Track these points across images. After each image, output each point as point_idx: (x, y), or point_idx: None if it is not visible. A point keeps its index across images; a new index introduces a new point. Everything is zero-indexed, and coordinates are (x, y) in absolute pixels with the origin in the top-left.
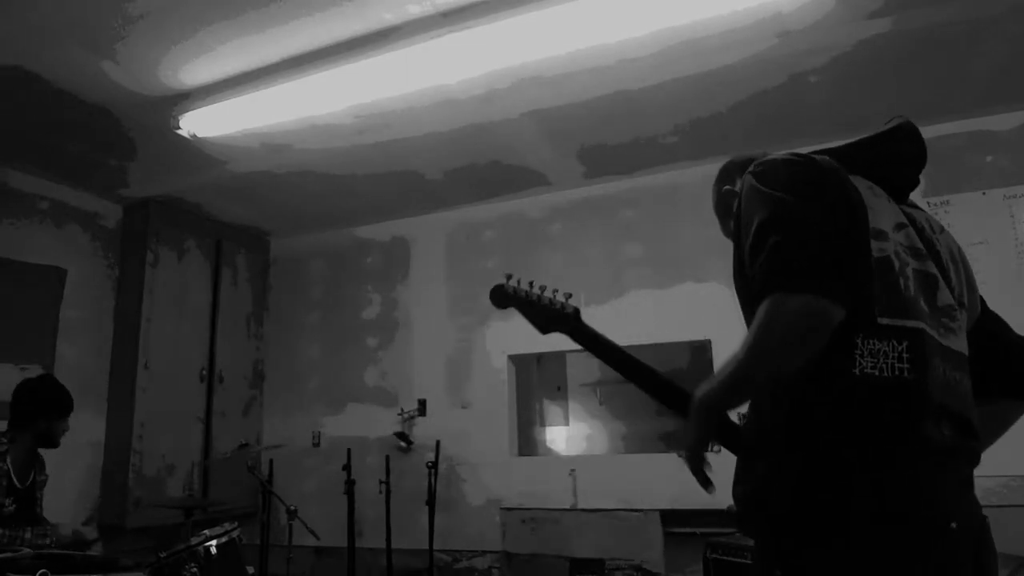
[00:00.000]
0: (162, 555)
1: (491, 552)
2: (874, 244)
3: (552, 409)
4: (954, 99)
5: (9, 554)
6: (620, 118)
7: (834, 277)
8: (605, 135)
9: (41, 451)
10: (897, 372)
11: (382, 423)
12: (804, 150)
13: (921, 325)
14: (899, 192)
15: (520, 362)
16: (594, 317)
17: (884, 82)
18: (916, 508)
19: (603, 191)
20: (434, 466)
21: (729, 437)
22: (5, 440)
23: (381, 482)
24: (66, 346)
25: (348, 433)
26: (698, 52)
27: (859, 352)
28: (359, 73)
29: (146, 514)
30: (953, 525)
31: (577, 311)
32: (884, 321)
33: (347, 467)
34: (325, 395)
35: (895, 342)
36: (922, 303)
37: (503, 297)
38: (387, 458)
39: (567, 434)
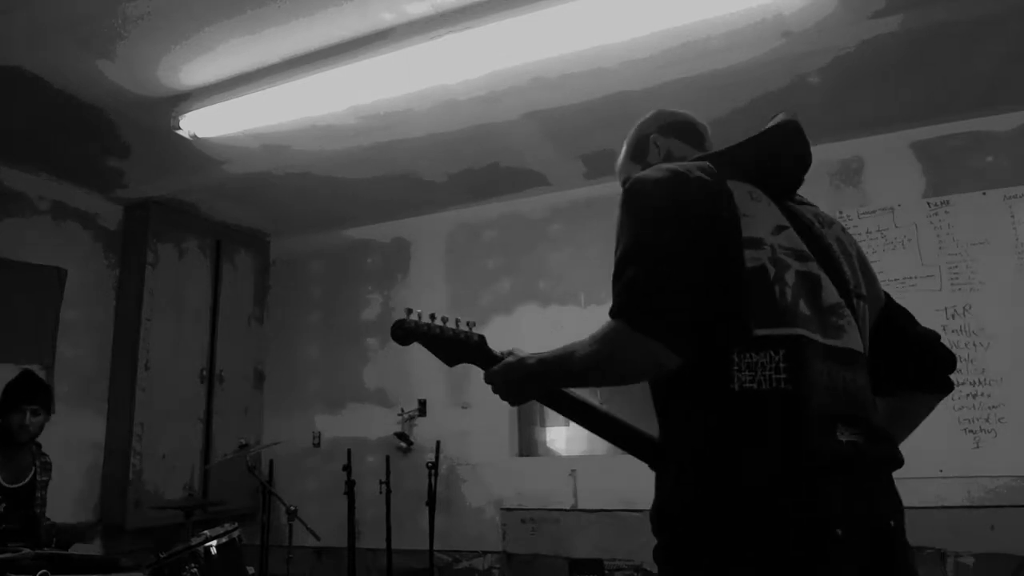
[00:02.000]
0: (162, 555)
1: (491, 552)
2: (747, 254)
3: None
4: (955, 99)
5: (9, 554)
6: (621, 119)
7: (677, 326)
8: (606, 136)
9: (46, 450)
10: (775, 384)
11: (382, 423)
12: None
13: (798, 331)
14: (784, 190)
15: None
16: (594, 317)
17: (885, 83)
18: (798, 517)
19: (603, 191)
20: (434, 466)
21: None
22: None
23: (381, 482)
24: (66, 346)
25: (348, 433)
26: (699, 53)
27: (736, 367)
28: (359, 74)
29: (146, 514)
30: (839, 532)
31: (482, 339)
32: (760, 332)
33: (347, 467)
34: (325, 395)
35: (772, 352)
36: (802, 307)
37: (405, 333)
38: (387, 458)
39: (567, 434)
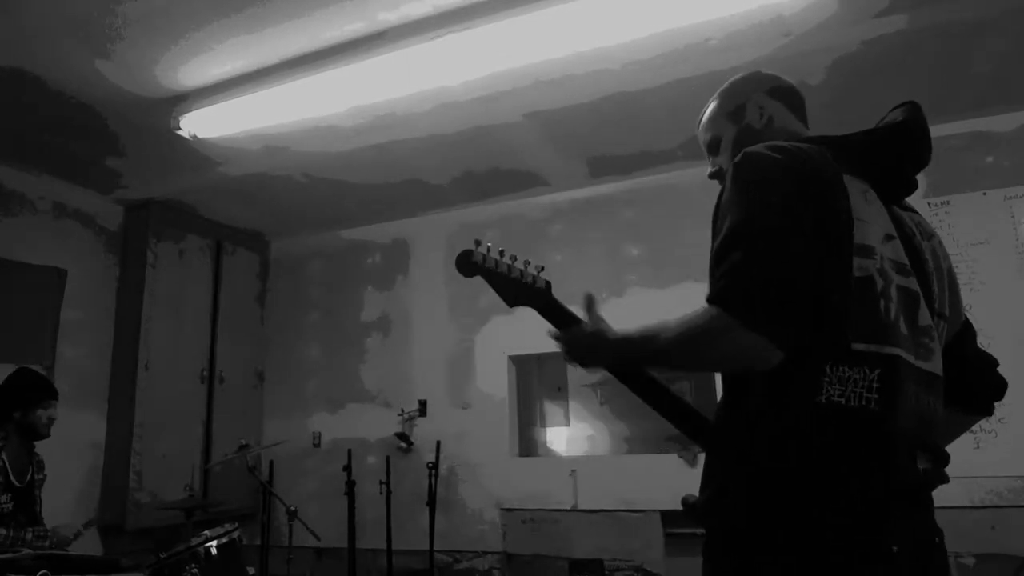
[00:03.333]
0: (162, 556)
1: (491, 553)
2: (857, 262)
3: (552, 410)
4: (955, 99)
5: (10, 555)
6: (621, 119)
7: (784, 321)
8: (606, 136)
9: (39, 450)
10: (864, 402)
11: (382, 424)
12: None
13: (897, 352)
14: (895, 194)
15: (521, 362)
16: None
17: (886, 83)
18: (861, 538)
19: (604, 191)
20: (434, 467)
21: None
22: (1, 436)
23: (381, 483)
24: (66, 347)
25: (348, 434)
26: (700, 54)
27: (827, 379)
28: (360, 74)
29: (146, 515)
30: (895, 549)
31: (548, 285)
32: (859, 347)
33: (347, 468)
34: (325, 396)
35: (867, 369)
36: (902, 325)
37: (470, 266)
38: (387, 459)
39: (567, 435)
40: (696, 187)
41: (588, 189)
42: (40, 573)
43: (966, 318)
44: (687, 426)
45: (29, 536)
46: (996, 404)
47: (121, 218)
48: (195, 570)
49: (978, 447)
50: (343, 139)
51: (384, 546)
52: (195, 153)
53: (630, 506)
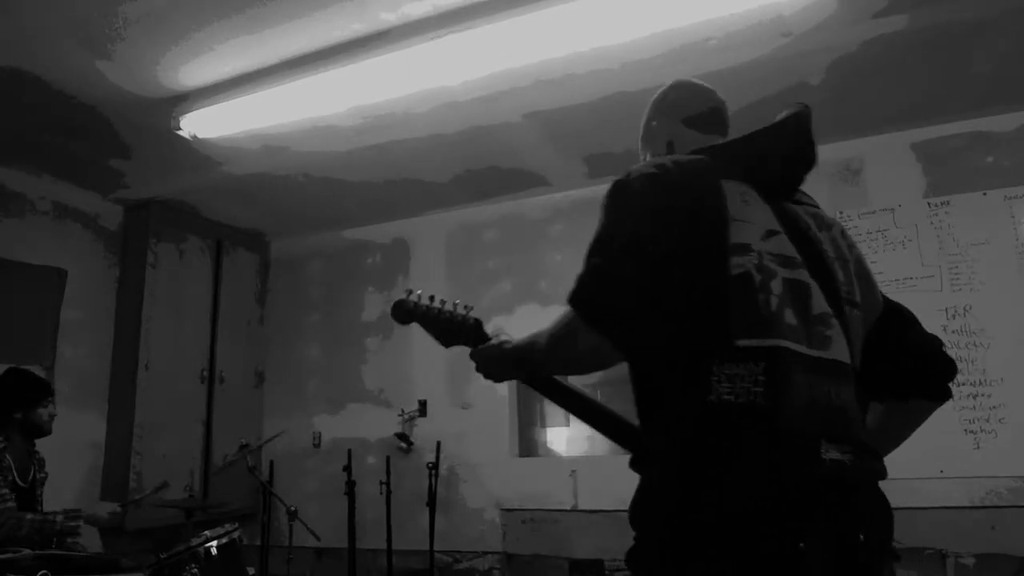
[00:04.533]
0: (162, 556)
1: (491, 553)
2: (733, 261)
3: (553, 410)
4: (955, 100)
5: (10, 555)
6: (621, 119)
7: (619, 321)
8: (606, 136)
9: (40, 449)
10: (752, 396)
11: (382, 424)
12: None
13: (781, 343)
14: (781, 190)
15: None
16: None
17: (885, 83)
18: (766, 533)
19: (604, 191)
20: (434, 467)
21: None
22: (2, 439)
23: (381, 483)
24: (67, 347)
25: (348, 434)
26: (699, 54)
27: (716, 378)
28: (360, 74)
29: (146, 515)
30: (802, 545)
31: (479, 323)
32: (742, 343)
33: (347, 468)
34: (325, 396)
35: (752, 364)
36: (788, 316)
37: (404, 313)
38: (387, 459)
39: (568, 435)
40: None
41: (588, 189)
42: (40, 573)
43: (893, 304)
44: (613, 433)
45: (60, 518)
46: (996, 406)
47: (121, 218)
48: (195, 570)
49: (978, 447)
50: (343, 139)
51: (384, 546)
52: (195, 153)
53: None
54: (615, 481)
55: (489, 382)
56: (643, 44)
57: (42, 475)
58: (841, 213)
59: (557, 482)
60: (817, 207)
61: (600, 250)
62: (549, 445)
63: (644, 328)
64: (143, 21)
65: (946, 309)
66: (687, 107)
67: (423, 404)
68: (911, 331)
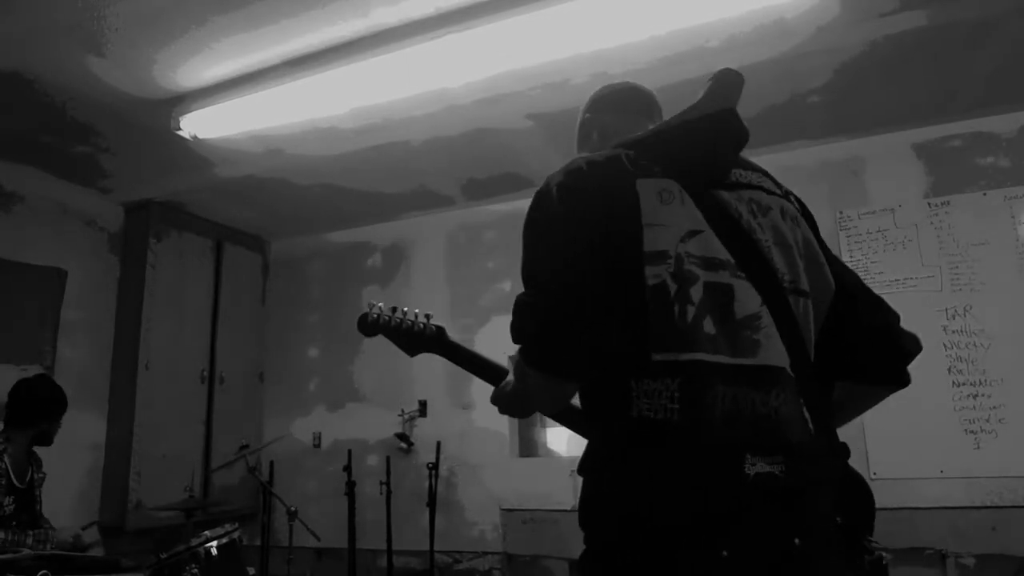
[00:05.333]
0: (163, 556)
1: (491, 553)
2: (648, 270)
3: None
4: (955, 100)
5: (10, 555)
6: None
7: (567, 354)
8: None
9: (36, 449)
10: (668, 413)
11: (383, 424)
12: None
13: (697, 356)
14: (713, 178)
15: None
16: None
17: (886, 84)
18: (683, 543)
19: None
20: (435, 467)
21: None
22: (3, 439)
23: (382, 483)
24: (67, 347)
25: (348, 434)
26: (700, 55)
27: (635, 394)
28: (361, 75)
29: (146, 515)
30: (724, 553)
31: (441, 330)
32: (658, 357)
33: (347, 468)
34: (325, 396)
35: (668, 380)
36: (706, 326)
37: (370, 326)
38: (388, 459)
39: (568, 435)
40: None
41: None
42: (40, 573)
43: (843, 286)
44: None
45: (30, 540)
46: (996, 406)
47: (121, 218)
48: (195, 570)
49: (978, 447)
50: (344, 140)
51: (384, 546)
52: (195, 154)
53: None
54: None
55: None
56: (644, 46)
57: (40, 475)
58: (841, 213)
59: (557, 482)
60: (758, 185)
61: (526, 281)
62: (549, 445)
63: (587, 355)
64: (144, 21)
65: (946, 309)
66: (616, 97)
67: (423, 404)
68: (865, 312)
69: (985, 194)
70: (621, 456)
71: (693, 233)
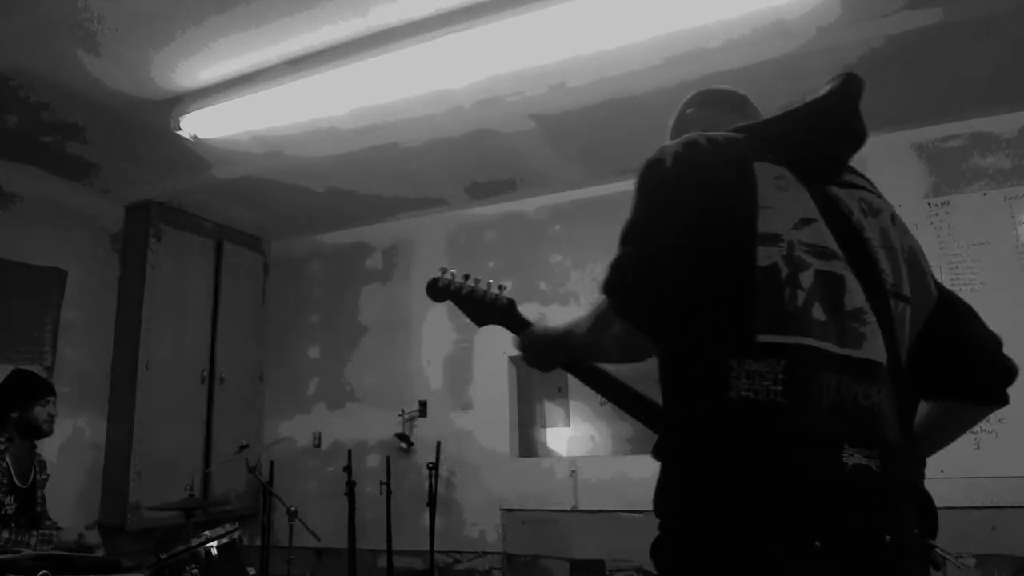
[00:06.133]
0: (163, 556)
1: (492, 553)
2: (760, 251)
3: (553, 410)
4: (955, 100)
5: (10, 555)
6: (622, 121)
7: (648, 309)
8: (607, 138)
9: (40, 451)
10: (771, 395)
11: (383, 424)
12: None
13: (806, 341)
14: (825, 173)
15: (521, 363)
16: None
17: (886, 84)
18: (777, 530)
19: (604, 192)
20: (435, 467)
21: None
22: (5, 439)
23: (382, 483)
24: (67, 347)
25: (348, 434)
26: (700, 56)
27: (734, 374)
28: (361, 75)
29: (147, 515)
30: (817, 544)
31: (512, 302)
32: (763, 339)
33: (348, 468)
34: (325, 396)
35: (773, 361)
36: (816, 312)
37: (439, 291)
38: (388, 459)
39: (568, 435)
40: None
41: (588, 189)
42: (40, 573)
43: (945, 297)
44: (647, 420)
45: (33, 541)
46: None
47: (121, 218)
48: (195, 570)
49: (978, 447)
50: (344, 140)
51: (384, 546)
52: (195, 154)
53: (631, 506)
54: (615, 481)
55: (489, 383)
56: (644, 47)
57: (43, 477)
58: None
59: (557, 482)
60: (869, 189)
61: (631, 237)
62: (549, 445)
63: (674, 319)
64: (144, 21)
65: None
66: (719, 96)
67: (423, 404)
68: (964, 327)
69: (985, 194)
70: (715, 438)
71: (806, 221)
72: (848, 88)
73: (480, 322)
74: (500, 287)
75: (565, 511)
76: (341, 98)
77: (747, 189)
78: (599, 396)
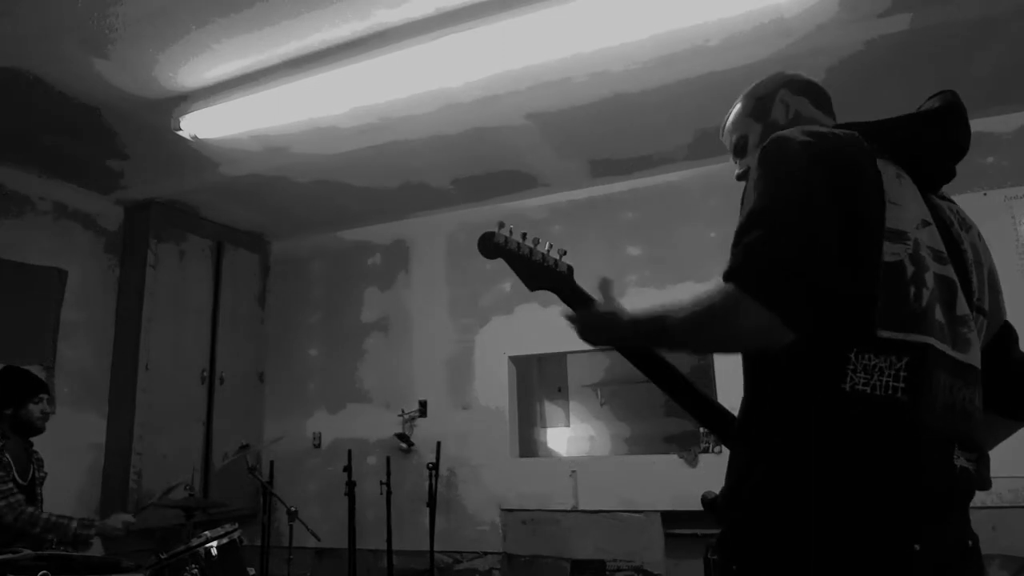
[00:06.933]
0: (163, 556)
1: (492, 553)
2: (887, 247)
3: (553, 410)
4: None
5: (10, 555)
6: (622, 120)
7: (798, 298)
8: (606, 137)
9: (38, 449)
10: (891, 391)
11: (383, 424)
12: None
13: (928, 340)
14: (933, 181)
15: (521, 363)
16: None
17: (886, 84)
18: (878, 530)
19: (604, 192)
20: (435, 467)
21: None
22: (0, 436)
23: (382, 483)
24: (67, 347)
25: (349, 434)
26: (699, 55)
27: (852, 367)
28: (361, 75)
29: (147, 515)
30: (917, 547)
31: (570, 269)
32: (885, 334)
33: (348, 468)
34: (326, 396)
35: (894, 358)
36: (936, 314)
37: (492, 248)
38: (388, 459)
39: (568, 435)
40: (696, 188)
41: (588, 189)
42: (40, 573)
43: (1007, 320)
44: (701, 413)
45: (75, 524)
46: None
47: (122, 218)
48: (195, 570)
49: None
50: (344, 139)
51: (384, 547)
52: (195, 154)
53: (630, 507)
54: (615, 482)
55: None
56: (644, 45)
57: (41, 474)
58: None
59: (557, 482)
60: (956, 204)
61: (762, 220)
62: (549, 445)
63: (817, 305)
64: (144, 21)
65: None
66: (804, 81)
67: (423, 404)
68: (1015, 348)
69: (985, 194)
70: (826, 430)
71: (925, 223)
72: (958, 103)
73: (533, 286)
74: (561, 252)
75: (565, 511)
76: (341, 97)
77: (874, 184)
78: (599, 395)
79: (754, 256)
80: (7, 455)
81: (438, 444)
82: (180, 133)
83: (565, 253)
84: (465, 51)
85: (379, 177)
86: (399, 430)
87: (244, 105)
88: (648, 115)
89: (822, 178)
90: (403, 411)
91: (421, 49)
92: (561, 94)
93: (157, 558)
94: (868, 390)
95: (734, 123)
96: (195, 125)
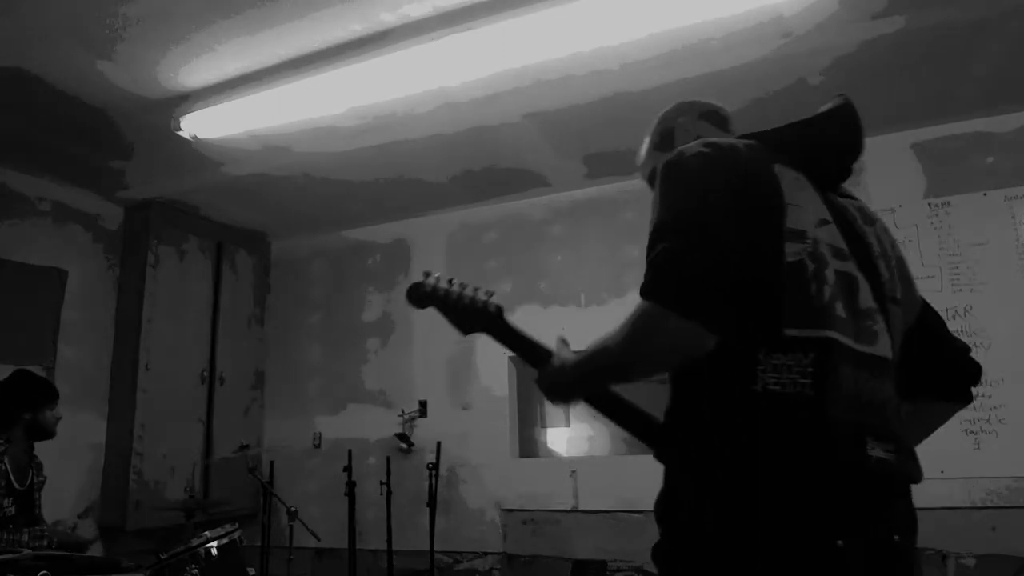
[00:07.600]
0: (163, 556)
1: (492, 554)
2: (788, 247)
3: (553, 410)
4: (955, 100)
5: (10, 555)
6: (621, 120)
7: (713, 303)
8: (606, 137)
9: (38, 452)
10: (799, 388)
11: (383, 424)
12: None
13: (831, 335)
14: (831, 181)
15: (521, 363)
16: (595, 317)
17: (886, 84)
18: (800, 528)
19: (604, 192)
20: (435, 467)
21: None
22: (3, 440)
23: (382, 483)
24: (67, 347)
25: (349, 434)
26: (699, 54)
27: (761, 367)
28: (360, 75)
29: (147, 515)
30: (840, 543)
31: (500, 309)
32: (791, 332)
33: (348, 468)
34: (326, 396)
35: (801, 355)
36: (839, 309)
37: (421, 296)
38: (388, 459)
39: (568, 435)
40: None
41: (588, 189)
42: (40, 574)
43: (925, 304)
44: (641, 431)
45: (25, 538)
46: (996, 406)
47: (122, 219)
48: (195, 570)
49: (978, 447)
50: (343, 139)
51: (384, 547)
52: (196, 154)
53: (631, 507)
54: (615, 482)
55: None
56: (643, 44)
57: (40, 479)
58: None
59: (557, 482)
60: (859, 201)
61: (667, 232)
62: (549, 445)
63: (732, 307)
64: (144, 21)
65: (946, 309)
66: (703, 106)
67: (423, 404)
68: (940, 332)
69: (985, 194)
70: (740, 432)
71: (824, 222)
72: (851, 107)
73: (465, 331)
74: (488, 292)
75: (565, 511)
76: (341, 97)
77: (772, 187)
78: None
79: (662, 269)
80: (5, 461)
81: (438, 444)
82: (181, 133)
83: (493, 294)
84: (464, 51)
85: (379, 177)
86: (399, 430)
87: (244, 105)
88: (648, 115)
89: (719, 182)
90: (403, 411)
91: (420, 49)
92: (561, 93)
93: (157, 558)
94: (779, 389)
95: (645, 157)
96: (196, 125)
